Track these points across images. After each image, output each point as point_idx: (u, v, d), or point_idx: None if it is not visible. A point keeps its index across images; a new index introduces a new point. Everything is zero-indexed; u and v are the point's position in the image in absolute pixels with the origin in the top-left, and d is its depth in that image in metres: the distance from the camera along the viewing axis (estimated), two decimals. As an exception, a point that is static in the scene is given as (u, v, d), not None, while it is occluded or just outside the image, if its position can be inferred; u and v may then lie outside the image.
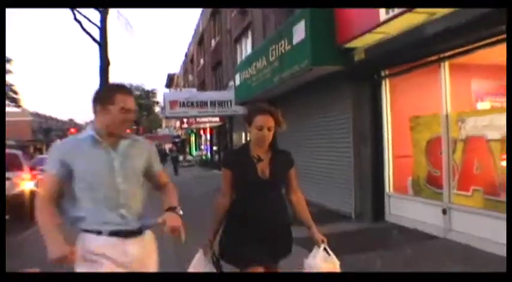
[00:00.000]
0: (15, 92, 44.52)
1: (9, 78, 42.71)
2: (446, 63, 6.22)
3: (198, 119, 26.01)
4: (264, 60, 10.28)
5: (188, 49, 38.75)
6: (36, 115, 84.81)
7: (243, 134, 18.06)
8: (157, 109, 60.71)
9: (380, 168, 7.68)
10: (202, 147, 35.79)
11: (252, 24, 16.02)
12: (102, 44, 15.29)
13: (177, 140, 48.44)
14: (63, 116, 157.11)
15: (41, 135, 76.95)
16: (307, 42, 7.83)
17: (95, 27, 15.46)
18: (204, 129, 32.54)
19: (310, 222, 2.93)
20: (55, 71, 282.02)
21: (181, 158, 32.99)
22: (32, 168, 11.10)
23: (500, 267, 3.31)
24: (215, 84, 25.61)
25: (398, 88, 7.48)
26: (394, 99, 7.56)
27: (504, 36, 4.94)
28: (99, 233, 2.29)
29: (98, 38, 15.34)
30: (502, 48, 5.06)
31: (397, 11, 5.81)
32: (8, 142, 40.59)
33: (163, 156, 28.11)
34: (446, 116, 6.22)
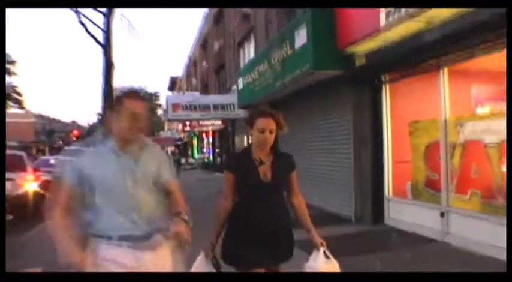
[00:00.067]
0: (18, 94, 44.71)
1: (13, 80, 42.95)
2: (445, 69, 6.30)
3: (200, 122, 26.12)
4: (267, 64, 10.39)
5: (191, 52, 38.83)
6: (40, 117, 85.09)
7: (245, 138, 18.14)
8: (159, 112, 60.82)
9: (380, 172, 7.76)
10: (205, 150, 35.86)
11: (255, 28, 16.12)
12: (106, 47, 15.41)
13: (179, 142, 48.51)
14: (66, 118, 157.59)
15: (43, 137, 77.19)
16: (309, 46, 7.92)
17: (99, 29, 15.59)
18: (207, 132, 32.62)
19: (310, 226, 2.94)
20: (59, 73, 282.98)
21: (183, 160, 33.07)
22: (35, 170, 11.19)
23: (497, 270, 3.36)
24: (218, 88, 25.71)
25: (398, 93, 7.56)
26: (394, 104, 7.64)
27: (503, 42, 5.03)
28: (109, 238, 2.30)
29: (101, 40, 15.46)
30: (500, 54, 5.15)
31: (397, 17, 5.91)
32: (11, 143, 40.77)
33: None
34: (445, 120, 6.30)
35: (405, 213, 7.19)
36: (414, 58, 6.54)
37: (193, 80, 37.44)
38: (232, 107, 17.53)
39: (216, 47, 25.52)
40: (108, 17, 15.35)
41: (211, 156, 31.93)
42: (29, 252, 6.77)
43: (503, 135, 5.35)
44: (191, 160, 38.20)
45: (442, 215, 6.27)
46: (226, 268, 2.89)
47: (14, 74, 42.75)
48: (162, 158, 2.56)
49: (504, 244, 5.03)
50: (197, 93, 25.04)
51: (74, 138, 63.73)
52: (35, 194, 10.29)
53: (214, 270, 2.82)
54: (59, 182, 2.37)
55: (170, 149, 45.42)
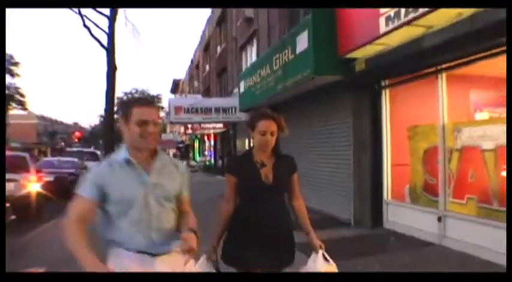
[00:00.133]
0: (21, 95, 44.87)
1: (16, 81, 43.12)
2: (444, 75, 6.39)
3: (202, 125, 26.19)
4: (268, 69, 10.50)
5: (194, 55, 39.02)
6: (42, 118, 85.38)
7: (247, 141, 18.22)
8: (161, 114, 61.03)
9: (379, 176, 7.84)
10: (206, 153, 35.96)
11: (257, 32, 16.22)
12: (110, 50, 15.54)
13: (181, 145, 48.64)
14: (68, 119, 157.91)
15: (46, 138, 77.37)
16: (310, 52, 8.02)
17: (103, 33, 15.73)
18: (208, 135, 32.73)
19: (309, 228, 2.95)
20: (61, 75, 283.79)
21: (184, 163, 33.20)
22: (38, 171, 11.30)
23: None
24: (220, 91, 25.82)
25: (398, 98, 7.64)
26: (393, 109, 7.73)
27: (501, 49, 5.13)
28: (123, 248, 2.29)
29: (105, 43, 15.58)
30: (499, 60, 5.25)
31: (396, 23, 6.02)
32: (13, 144, 40.93)
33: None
34: (443, 126, 6.39)
35: (403, 217, 7.27)
36: (413, 64, 6.62)
37: (196, 83, 37.59)
38: (233, 110, 17.61)
39: (219, 51, 25.65)
40: (112, 20, 15.48)
41: (212, 159, 32.02)
42: (30, 253, 6.84)
43: (499, 141, 5.46)
44: (192, 163, 38.28)
45: (440, 219, 6.35)
46: (226, 269, 2.89)
47: (17, 75, 42.91)
48: (185, 174, 2.53)
49: (500, 248, 5.12)
50: (199, 96, 25.17)
51: (76, 140, 63.97)
52: (38, 194, 10.41)
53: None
54: (76, 193, 2.34)
55: (172, 151, 45.64)
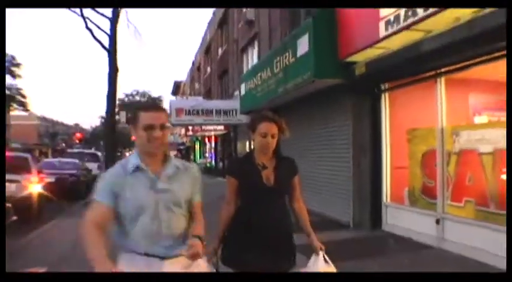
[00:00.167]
0: (23, 96, 44.93)
1: (17, 82, 43.17)
2: (443, 79, 6.45)
3: (203, 127, 26.26)
4: (269, 71, 10.56)
5: (195, 57, 39.10)
6: (43, 119, 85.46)
7: (247, 143, 18.27)
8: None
9: (378, 178, 7.89)
10: (207, 154, 36.01)
11: (259, 34, 16.28)
12: (112, 52, 15.60)
13: (181, 147, 48.71)
14: (69, 120, 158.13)
15: (47, 139, 77.42)
16: (311, 55, 8.09)
17: (105, 34, 15.79)
18: (209, 137, 32.77)
19: (310, 230, 2.96)
20: (62, 76, 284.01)
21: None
22: (39, 172, 11.35)
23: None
24: (221, 93, 25.88)
25: (397, 101, 7.70)
26: (393, 112, 7.78)
27: (500, 54, 5.19)
28: (133, 252, 2.29)
29: (107, 45, 15.65)
30: (497, 65, 5.32)
31: (395, 28, 6.09)
32: (14, 145, 41.01)
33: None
34: (441, 129, 6.44)
35: (402, 219, 7.32)
36: (413, 68, 6.69)
37: (197, 85, 37.68)
38: (234, 112, 17.68)
39: (220, 53, 25.73)
40: (114, 22, 15.55)
41: (213, 161, 32.06)
42: (30, 254, 6.89)
43: (497, 145, 5.52)
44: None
45: (438, 221, 6.40)
46: (226, 271, 2.90)
47: (19, 76, 42.98)
48: (197, 179, 2.51)
49: (497, 250, 5.18)
50: (200, 98, 25.23)
51: (77, 141, 64.00)
52: (39, 195, 10.47)
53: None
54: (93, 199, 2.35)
55: (173, 153, 45.68)
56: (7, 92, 38.36)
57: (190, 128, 30.31)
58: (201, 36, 34.26)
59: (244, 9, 18.51)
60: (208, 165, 33.26)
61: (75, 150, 30.32)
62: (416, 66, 6.56)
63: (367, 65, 7.30)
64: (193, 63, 40.53)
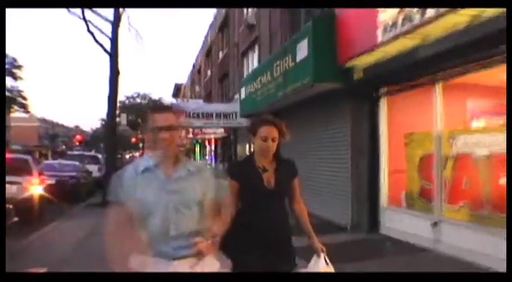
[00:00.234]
0: (24, 98, 45.02)
1: (18, 84, 43.26)
2: (440, 84, 6.53)
3: (203, 130, 26.32)
4: (269, 76, 10.65)
5: (196, 60, 39.18)
6: (43, 121, 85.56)
7: (247, 146, 18.34)
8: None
9: (376, 182, 7.98)
10: (207, 157, 36.08)
11: (259, 38, 16.37)
12: (113, 55, 15.66)
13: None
14: (69, 122, 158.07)
15: (47, 141, 77.50)
16: (310, 59, 8.19)
17: (106, 37, 15.85)
18: (209, 140, 32.84)
19: (311, 232, 3.00)
20: (63, 78, 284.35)
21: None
22: (40, 174, 11.43)
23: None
24: (221, 96, 25.96)
25: (395, 106, 7.79)
26: (391, 117, 7.87)
27: (497, 59, 5.29)
28: (146, 254, 2.30)
29: (108, 48, 15.71)
30: (495, 70, 5.43)
31: (393, 34, 6.18)
32: (15, 147, 41.05)
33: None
34: (438, 133, 6.53)
35: (400, 222, 7.39)
36: (410, 73, 6.79)
37: (197, 88, 37.76)
38: (234, 115, 17.72)
39: (221, 56, 25.82)
40: (115, 26, 15.62)
41: (213, 164, 32.12)
42: (32, 254, 6.97)
43: (492, 149, 5.62)
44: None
45: (435, 224, 6.47)
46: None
47: (20, 78, 43.08)
48: (211, 179, 2.50)
49: (492, 253, 5.27)
50: (201, 101, 25.30)
51: (77, 143, 64.05)
52: (40, 197, 10.55)
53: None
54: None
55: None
56: (8, 94, 38.47)
57: (190, 130, 30.35)
58: (201, 39, 34.39)
59: (245, 13, 18.63)
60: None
61: (76, 153, 30.43)
62: (413, 71, 6.65)
63: (366, 70, 7.39)
64: (193, 66, 40.62)
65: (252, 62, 18.16)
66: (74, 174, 16.38)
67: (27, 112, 48.54)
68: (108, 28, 15.86)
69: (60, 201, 12.49)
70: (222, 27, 25.27)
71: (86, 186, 17.43)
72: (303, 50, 8.45)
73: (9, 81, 39.80)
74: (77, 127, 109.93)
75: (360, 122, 8.24)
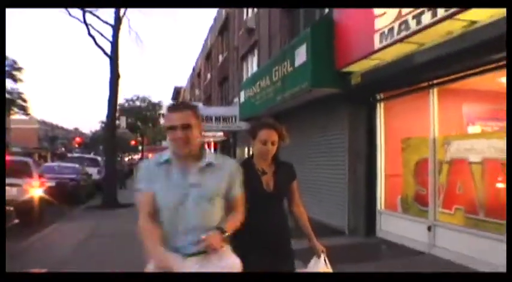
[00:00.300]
0: (24, 100, 45.06)
1: (18, 86, 43.30)
2: (435, 90, 6.64)
3: (202, 133, 26.36)
4: (268, 80, 10.75)
5: (196, 63, 39.32)
6: (43, 123, 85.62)
7: (246, 149, 18.42)
8: (162, 121, 61.18)
9: (373, 186, 8.07)
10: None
11: (258, 42, 16.48)
12: (113, 58, 15.74)
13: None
14: (69, 124, 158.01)
15: (46, 143, 77.52)
16: (308, 65, 8.28)
17: (106, 40, 15.93)
18: (209, 143, 32.85)
19: (311, 234, 3.02)
20: (62, 80, 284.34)
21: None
22: (40, 176, 11.51)
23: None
24: (221, 100, 26.04)
25: (392, 111, 7.89)
26: (387, 122, 7.97)
27: (492, 67, 5.40)
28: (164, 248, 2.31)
29: (109, 51, 15.79)
30: (489, 76, 5.55)
31: (389, 40, 6.28)
32: (14, 149, 41.08)
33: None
34: (433, 139, 6.63)
35: (395, 226, 7.48)
36: (407, 79, 6.89)
37: (197, 91, 37.86)
38: (234, 119, 17.79)
39: (220, 60, 25.93)
40: (116, 29, 15.71)
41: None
42: (30, 257, 7.02)
43: (486, 154, 5.73)
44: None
45: (429, 228, 6.57)
46: None
47: (20, 80, 43.12)
48: (233, 173, 2.49)
49: (485, 257, 5.37)
50: (200, 105, 25.38)
51: (77, 145, 64.10)
52: (40, 199, 10.63)
53: None
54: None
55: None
56: (8, 96, 38.51)
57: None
58: (201, 43, 34.52)
59: (244, 17, 18.74)
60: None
61: (75, 155, 30.49)
62: (410, 77, 6.75)
63: (363, 75, 7.49)
64: (193, 69, 40.74)
65: (252, 65, 18.25)
66: (73, 176, 16.47)
67: (27, 114, 48.57)
68: (108, 31, 15.97)
69: (60, 204, 12.56)
70: (221, 31, 25.37)
71: (85, 188, 17.52)
72: (301, 55, 8.55)
73: (9, 83, 39.81)
74: (76, 129, 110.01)
75: (357, 127, 8.34)
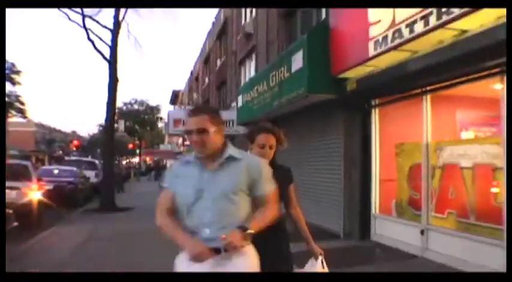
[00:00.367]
0: (22, 103, 45.14)
1: (16, 89, 43.40)
2: (428, 96, 6.77)
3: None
4: (265, 85, 10.87)
5: (194, 67, 39.38)
6: (41, 126, 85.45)
7: (244, 153, 18.48)
8: (160, 124, 61.33)
9: (368, 190, 8.20)
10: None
11: (256, 47, 16.60)
12: (112, 62, 15.85)
13: (178, 156, 48.92)
14: (66, 127, 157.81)
15: (43, 146, 77.35)
16: (305, 71, 8.41)
17: (105, 44, 16.05)
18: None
19: (309, 236, 3.07)
20: (60, 83, 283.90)
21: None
22: (39, 179, 11.59)
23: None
24: (219, 104, 26.12)
25: (387, 117, 8.03)
26: (382, 127, 8.11)
27: (484, 74, 5.54)
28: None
29: (107, 55, 15.91)
30: (482, 83, 5.69)
31: (383, 48, 6.42)
32: (12, 152, 41.09)
33: (164, 171, 28.54)
34: (427, 144, 6.76)
35: (390, 230, 7.60)
36: (401, 85, 7.03)
37: (195, 95, 37.91)
38: (231, 123, 17.88)
39: (218, 64, 26.04)
40: (115, 33, 15.83)
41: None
42: (29, 259, 7.09)
43: (477, 160, 5.86)
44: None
45: (422, 232, 6.69)
46: None
47: (19, 83, 43.24)
48: (252, 170, 2.45)
49: (477, 260, 5.48)
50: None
51: (74, 148, 64.02)
52: (39, 202, 10.71)
53: None
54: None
55: (170, 162, 45.85)
56: (6, 98, 38.59)
57: (187, 137, 30.44)
58: (200, 47, 34.63)
59: (243, 22, 18.87)
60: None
61: (73, 158, 30.58)
62: (403, 83, 6.89)
63: (358, 81, 7.62)
64: (191, 73, 40.80)
65: (249, 70, 18.34)
66: (71, 179, 16.55)
67: (25, 117, 48.62)
68: (107, 36, 16.08)
69: (58, 207, 12.63)
70: (220, 35, 25.49)
71: (83, 191, 17.59)
72: (298, 61, 8.67)
73: (7, 86, 39.93)
74: (73, 132, 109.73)
75: (352, 133, 8.46)
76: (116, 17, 15.94)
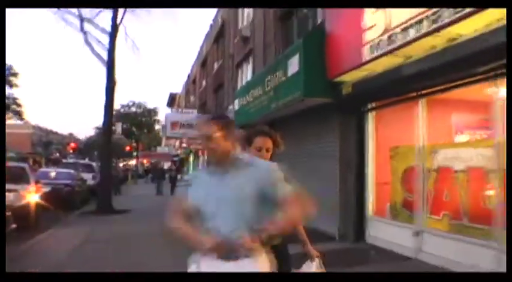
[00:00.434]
0: (18, 105, 45.16)
1: (14, 91, 43.43)
2: (423, 100, 6.86)
3: (197, 140, 26.52)
4: (261, 89, 10.95)
5: (191, 70, 39.41)
6: (38, 128, 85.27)
7: (240, 156, 18.52)
8: (157, 127, 61.32)
9: (363, 193, 8.29)
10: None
11: (253, 51, 16.68)
12: (110, 65, 15.90)
13: (175, 158, 48.95)
14: (63, 130, 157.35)
15: (40, 148, 77.19)
16: (301, 74, 8.50)
17: (103, 47, 16.12)
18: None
19: (305, 239, 3.10)
20: (58, 85, 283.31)
21: (179, 177, 33.47)
22: (36, 182, 11.62)
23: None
24: (216, 107, 26.18)
25: (382, 120, 8.12)
26: (377, 131, 8.20)
27: (478, 78, 5.64)
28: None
29: (105, 58, 15.96)
30: (476, 87, 5.80)
31: (378, 52, 6.52)
32: (9, 154, 41.04)
33: (161, 173, 28.54)
34: (421, 147, 6.85)
35: (384, 232, 7.68)
36: (396, 89, 7.13)
37: (192, 98, 37.95)
38: (228, 126, 17.92)
39: (215, 67, 26.10)
40: (113, 37, 15.89)
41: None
42: (28, 260, 7.14)
43: (470, 163, 5.95)
44: (186, 177, 38.34)
45: (417, 234, 6.77)
46: None
47: (16, 85, 43.25)
48: (265, 175, 2.45)
49: (469, 261, 5.57)
50: (195, 111, 25.54)
51: (71, 151, 63.91)
52: (37, 205, 10.75)
53: None
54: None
55: (167, 164, 45.91)
56: (3, 100, 38.60)
57: (184, 140, 30.52)
58: (197, 50, 34.70)
59: (240, 25, 18.96)
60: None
61: (70, 161, 30.53)
62: (398, 87, 6.99)
63: (354, 85, 7.72)
64: (188, 76, 40.83)
65: (246, 73, 18.41)
66: (68, 182, 16.55)
67: (22, 119, 48.60)
68: (105, 39, 16.14)
69: (56, 209, 12.66)
70: (217, 38, 25.56)
71: (80, 194, 17.59)
72: (294, 65, 8.76)
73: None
74: (70, 135, 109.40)
75: (347, 136, 8.55)
76: (114, 19, 15.99)
